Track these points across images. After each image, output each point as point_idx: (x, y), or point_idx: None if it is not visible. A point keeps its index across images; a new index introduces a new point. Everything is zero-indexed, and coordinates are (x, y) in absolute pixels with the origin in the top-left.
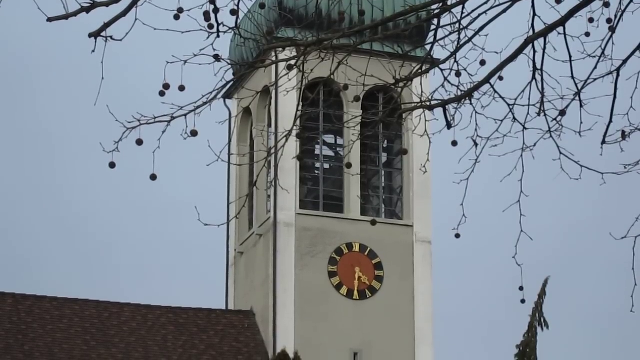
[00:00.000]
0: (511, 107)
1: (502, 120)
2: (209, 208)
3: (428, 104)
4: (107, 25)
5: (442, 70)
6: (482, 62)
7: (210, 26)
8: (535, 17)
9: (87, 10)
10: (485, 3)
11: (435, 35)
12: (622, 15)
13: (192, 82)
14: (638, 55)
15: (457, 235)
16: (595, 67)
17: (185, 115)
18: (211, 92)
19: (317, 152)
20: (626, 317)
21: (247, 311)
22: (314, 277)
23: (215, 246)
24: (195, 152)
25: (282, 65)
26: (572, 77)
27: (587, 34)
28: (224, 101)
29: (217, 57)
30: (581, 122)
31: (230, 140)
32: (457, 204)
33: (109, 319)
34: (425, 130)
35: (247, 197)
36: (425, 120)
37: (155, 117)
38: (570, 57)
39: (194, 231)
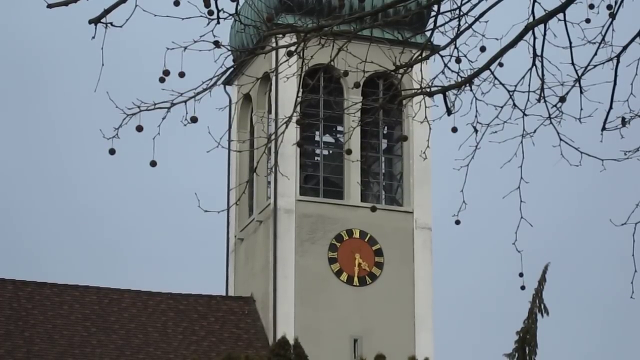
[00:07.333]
0: (511, 93)
1: (502, 107)
2: (209, 194)
3: (428, 90)
4: (107, 12)
5: (442, 56)
6: (482, 49)
7: (210, 12)
8: (535, 4)
9: None
10: None
11: (435, 22)
12: (622, 1)
13: (192, 69)
14: (638, 42)
15: (457, 222)
16: (596, 54)
17: (185, 101)
18: (211, 79)
19: (317, 138)
20: (626, 303)
21: (247, 297)
22: (314, 264)
23: (215, 232)
24: (195, 139)
25: (282, 51)
26: (572, 63)
27: (588, 20)
28: (224, 87)
29: (217, 44)
30: (581, 109)
31: (230, 127)
32: (457, 190)
33: (109, 305)
34: (425, 117)
35: (247, 184)
36: (425, 107)
37: (155, 104)
38: (571, 43)
39: (194, 217)
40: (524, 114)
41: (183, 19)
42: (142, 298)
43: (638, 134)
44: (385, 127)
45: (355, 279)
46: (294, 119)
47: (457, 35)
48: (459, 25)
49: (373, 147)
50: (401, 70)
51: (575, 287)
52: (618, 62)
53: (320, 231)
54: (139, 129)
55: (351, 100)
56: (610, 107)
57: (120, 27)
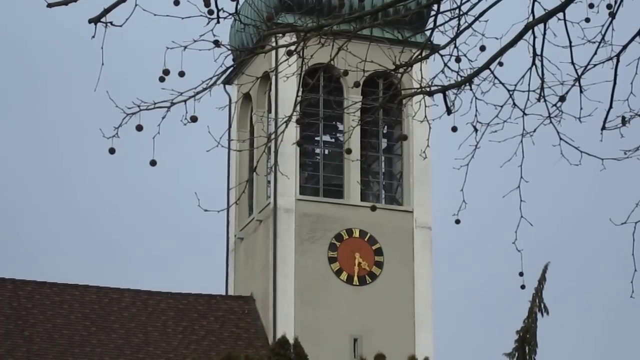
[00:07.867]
0: (511, 92)
1: (502, 106)
2: (209, 194)
3: (428, 89)
4: (107, 11)
5: (442, 55)
6: (482, 48)
7: (210, 12)
8: (535, 3)
9: None
10: None
11: (435, 21)
12: (622, 0)
13: (192, 68)
14: (638, 41)
15: (457, 221)
16: (595, 53)
17: (185, 101)
18: (211, 78)
19: (317, 137)
20: (626, 302)
21: (247, 297)
22: (314, 263)
23: (215, 232)
24: (195, 138)
25: (282, 51)
26: (572, 62)
27: (587, 20)
28: (224, 87)
29: (217, 43)
30: (581, 108)
31: (230, 126)
32: (457, 189)
33: (109, 305)
34: (425, 116)
35: (247, 183)
36: (425, 106)
37: (155, 103)
38: (570, 42)
39: (194, 217)
40: (524, 113)
41: (183, 18)
42: (142, 297)
43: (638, 133)
44: (385, 127)
45: (355, 278)
46: (294, 118)
47: (457, 35)
48: (459, 24)
49: (373, 147)
50: (401, 70)
51: (575, 286)
52: (618, 61)
53: (320, 230)
54: (139, 128)
55: (351, 99)
56: (610, 107)
57: (120, 26)
